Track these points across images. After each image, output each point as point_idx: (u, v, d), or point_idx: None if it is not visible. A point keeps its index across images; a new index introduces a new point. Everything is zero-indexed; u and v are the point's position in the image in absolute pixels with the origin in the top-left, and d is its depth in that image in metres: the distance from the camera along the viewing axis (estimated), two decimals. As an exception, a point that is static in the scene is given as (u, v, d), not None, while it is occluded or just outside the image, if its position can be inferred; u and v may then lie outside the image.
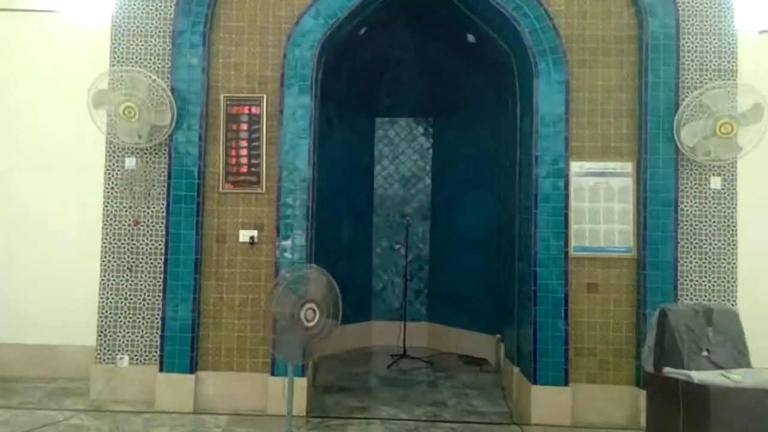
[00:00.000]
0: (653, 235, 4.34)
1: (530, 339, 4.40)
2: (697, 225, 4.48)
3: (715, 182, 4.48)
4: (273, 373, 4.35)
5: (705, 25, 4.50)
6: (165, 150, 4.52)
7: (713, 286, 4.48)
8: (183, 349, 4.38)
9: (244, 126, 4.53)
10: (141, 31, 4.59)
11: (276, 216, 4.45)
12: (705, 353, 2.98)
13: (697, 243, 4.48)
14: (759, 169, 4.49)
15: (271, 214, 4.48)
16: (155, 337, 4.48)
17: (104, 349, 4.53)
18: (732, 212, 4.49)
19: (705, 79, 4.47)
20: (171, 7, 4.55)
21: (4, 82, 5.08)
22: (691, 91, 4.41)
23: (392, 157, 7.02)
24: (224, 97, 4.53)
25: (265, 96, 4.52)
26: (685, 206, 4.47)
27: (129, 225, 4.55)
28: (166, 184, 4.48)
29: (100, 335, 4.54)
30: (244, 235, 4.50)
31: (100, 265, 4.55)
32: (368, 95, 6.65)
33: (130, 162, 4.57)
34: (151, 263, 4.54)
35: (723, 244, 4.49)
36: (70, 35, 5.03)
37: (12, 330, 4.97)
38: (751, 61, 4.53)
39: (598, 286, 4.44)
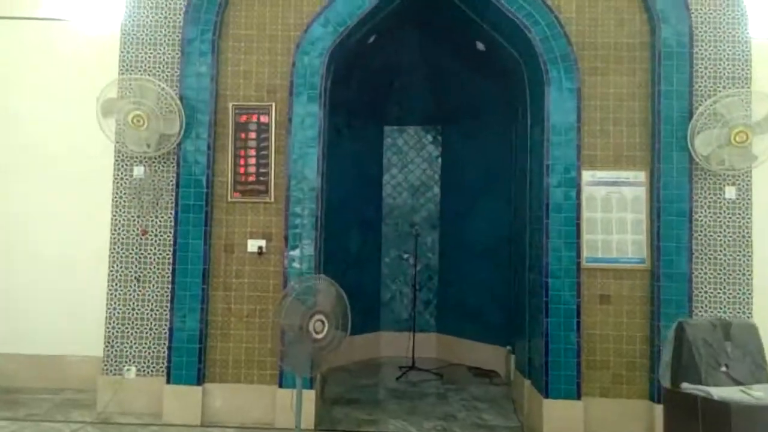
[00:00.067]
0: (667, 246, 4.28)
1: (542, 351, 4.33)
2: (711, 235, 4.41)
3: (730, 192, 4.41)
4: (281, 385, 4.31)
5: (719, 32, 4.45)
6: (173, 159, 4.50)
7: (728, 297, 4.40)
8: (190, 360, 4.34)
9: (253, 134, 4.50)
10: (150, 39, 4.58)
11: (284, 225, 4.42)
12: (723, 368, 2.90)
13: (711, 254, 4.41)
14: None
15: (280, 223, 4.45)
16: (162, 348, 4.45)
17: (111, 360, 4.49)
18: (747, 222, 4.42)
19: (719, 87, 4.41)
20: (180, 15, 4.55)
21: (12, 91, 5.08)
22: (705, 100, 4.35)
23: (401, 166, 6.98)
24: (233, 105, 4.51)
25: (273, 104, 4.50)
26: (700, 216, 4.40)
27: (137, 234, 4.53)
28: (174, 193, 4.46)
29: (107, 346, 4.50)
30: (253, 245, 4.46)
31: (108, 274, 4.52)
32: (377, 103, 6.62)
33: (138, 171, 4.55)
34: (159, 273, 4.51)
35: (738, 255, 4.42)
36: (78, 44, 5.04)
37: (19, 340, 4.94)
38: (765, 68, 4.46)
39: (611, 297, 4.37)
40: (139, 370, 4.48)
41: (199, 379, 4.35)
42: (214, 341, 4.43)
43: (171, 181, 4.51)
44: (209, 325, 4.43)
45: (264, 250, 4.46)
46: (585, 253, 4.36)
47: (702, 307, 4.37)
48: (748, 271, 4.41)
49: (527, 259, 4.85)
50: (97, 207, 4.67)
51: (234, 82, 4.55)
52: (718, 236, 4.41)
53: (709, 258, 4.40)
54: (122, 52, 4.59)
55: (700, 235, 4.39)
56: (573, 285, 4.30)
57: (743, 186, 4.42)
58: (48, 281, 4.96)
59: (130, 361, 4.49)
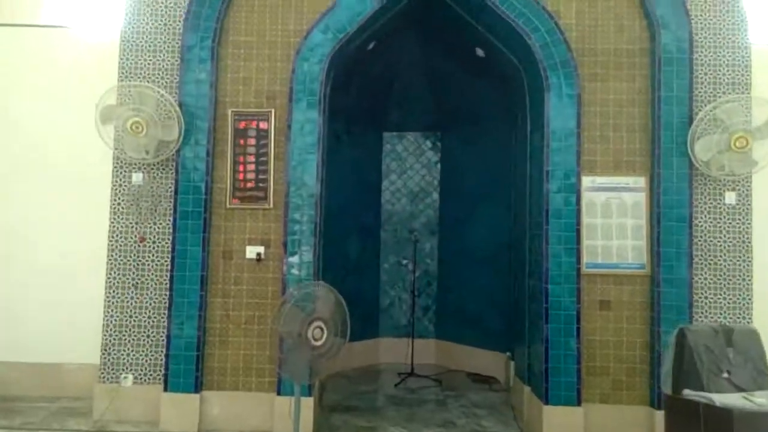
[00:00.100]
0: (667, 252, 4.26)
1: (542, 357, 4.31)
2: (711, 241, 4.40)
3: (730, 197, 4.41)
4: (279, 393, 4.28)
5: (718, 38, 4.45)
6: (172, 165, 4.49)
7: (728, 303, 4.39)
8: (188, 368, 4.31)
9: (252, 141, 4.49)
10: (149, 46, 4.58)
11: (283, 232, 4.40)
12: (725, 374, 2.88)
13: (711, 259, 4.40)
14: (774, 184, 4.43)
15: (279, 230, 4.43)
16: (160, 355, 4.42)
17: (108, 367, 4.46)
18: (747, 227, 4.41)
19: (719, 92, 4.41)
20: (179, 22, 4.54)
21: (11, 97, 5.06)
22: (705, 105, 4.35)
23: (400, 172, 6.97)
24: (232, 111, 4.50)
25: (273, 111, 4.49)
26: (700, 222, 4.39)
27: (135, 241, 4.50)
28: (172, 200, 4.44)
29: (103, 353, 4.47)
30: (251, 252, 4.44)
31: (106, 281, 4.50)
32: (376, 110, 6.61)
33: (137, 177, 4.53)
34: (157, 280, 4.48)
35: (738, 260, 4.41)
36: (78, 51, 5.01)
37: (15, 348, 4.89)
38: (765, 74, 4.47)
39: (611, 303, 4.36)
40: (136, 377, 4.45)
41: (197, 387, 4.32)
42: (212, 348, 4.41)
43: (169, 187, 4.49)
44: (207, 333, 4.40)
45: (263, 256, 4.44)
46: (585, 258, 4.35)
47: (702, 313, 4.36)
48: (748, 276, 4.39)
49: (527, 265, 4.83)
50: (95, 214, 4.64)
51: (233, 89, 4.54)
52: (719, 242, 4.40)
53: (710, 263, 4.39)
54: (122, 58, 4.58)
55: (700, 241, 4.38)
56: (573, 291, 4.28)
57: (743, 191, 4.41)
58: (45, 288, 4.92)
59: (127, 368, 4.46)
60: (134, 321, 4.48)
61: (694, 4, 4.46)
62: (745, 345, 2.98)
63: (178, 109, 4.38)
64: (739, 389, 2.84)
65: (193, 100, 4.44)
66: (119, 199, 4.54)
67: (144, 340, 4.47)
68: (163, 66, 4.56)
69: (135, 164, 4.52)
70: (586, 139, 4.40)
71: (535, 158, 4.68)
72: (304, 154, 4.41)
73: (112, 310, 4.48)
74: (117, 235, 4.52)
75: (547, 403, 4.25)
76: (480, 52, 5.42)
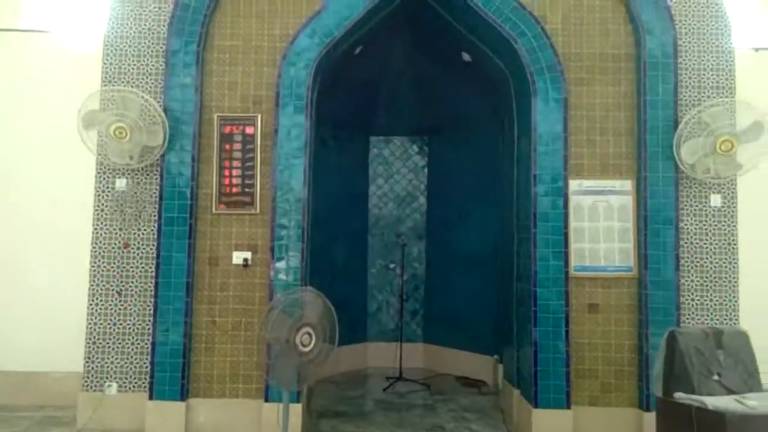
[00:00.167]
0: (654, 254, 4.29)
1: (531, 361, 4.31)
2: (697, 243, 4.44)
3: (716, 200, 4.45)
4: (267, 399, 4.23)
5: (702, 43, 4.49)
6: (157, 171, 4.43)
7: (715, 304, 4.42)
8: (174, 375, 4.25)
9: (238, 146, 4.45)
10: (133, 51, 4.52)
11: (270, 237, 4.36)
12: (716, 377, 2.89)
13: (698, 261, 4.43)
14: (759, 186, 4.47)
15: (266, 235, 4.39)
16: (145, 363, 4.35)
17: (92, 376, 4.39)
18: (733, 229, 4.45)
19: (703, 96, 4.45)
20: (164, 26, 4.49)
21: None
22: (690, 109, 4.39)
23: (387, 176, 6.95)
24: (218, 116, 4.46)
25: (259, 115, 4.45)
26: (686, 224, 4.42)
27: (119, 247, 4.44)
28: (157, 206, 4.38)
29: (87, 361, 4.40)
30: (238, 257, 4.40)
31: (89, 288, 4.43)
32: (363, 114, 6.59)
33: (120, 183, 4.47)
34: (141, 287, 4.42)
35: (724, 262, 4.44)
36: (59, 55, 4.94)
37: (-2, 357, 4.82)
38: (748, 78, 4.51)
39: (599, 306, 4.38)
40: (120, 385, 4.38)
41: (183, 395, 4.26)
42: (198, 355, 4.35)
43: (154, 193, 4.44)
44: (193, 339, 4.35)
45: (249, 262, 4.39)
46: (573, 261, 4.36)
47: (689, 315, 4.39)
48: (734, 278, 4.43)
49: (515, 269, 4.83)
50: (78, 220, 4.57)
51: (219, 93, 4.50)
52: (705, 244, 4.44)
53: (696, 265, 4.42)
54: (105, 63, 4.52)
55: (686, 243, 4.41)
56: (561, 294, 4.29)
57: (729, 194, 4.46)
58: (27, 296, 4.83)
59: (111, 376, 4.39)
60: (118, 328, 4.41)
61: (679, 9, 4.50)
62: (735, 347, 3.00)
63: (162, 113, 4.33)
64: (730, 391, 2.85)
65: (178, 105, 4.39)
66: (103, 204, 4.47)
67: (128, 348, 4.40)
68: (147, 71, 4.51)
69: (119, 170, 4.46)
70: (573, 142, 4.42)
71: (522, 162, 4.69)
72: (290, 158, 4.38)
73: (95, 318, 4.42)
74: (100, 242, 4.45)
75: (536, 406, 4.25)
76: (467, 56, 5.42)
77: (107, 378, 4.39)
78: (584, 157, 4.43)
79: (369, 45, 5.29)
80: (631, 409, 4.28)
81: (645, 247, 4.30)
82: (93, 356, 4.40)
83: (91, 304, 4.42)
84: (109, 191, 4.47)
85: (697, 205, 4.44)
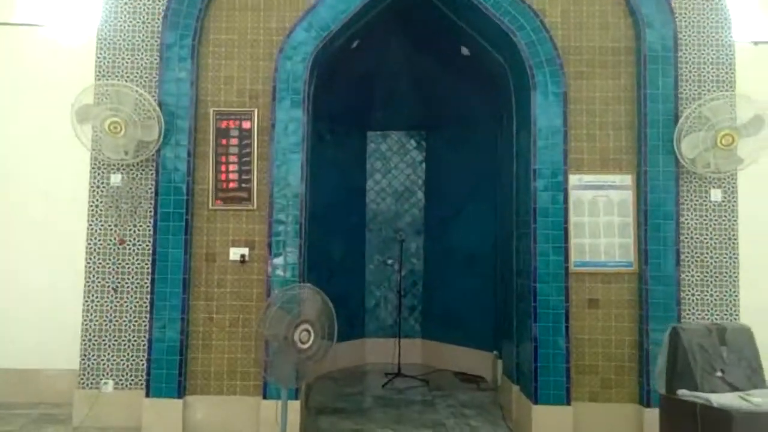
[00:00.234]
0: (654, 249, 4.26)
1: (531, 357, 4.28)
2: (698, 238, 4.41)
3: (716, 194, 4.42)
4: (265, 396, 4.20)
5: (703, 36, 4.45)
6: (152, 166, 4.38)
7: (715, 299, 4.39)
8: (171, 372, 4.21)
9: (235, 141, 4.40)
10: (127, 44, 4.47)
11: (267, 233, 4.32)
12: (719, 373, 2.86)
13: (698, 256, 4.40)
14: (759, 181, 4.45)
15: (263, 231, 4.35)
16: (141, 360, 4.31)
17: (88, 373, 4.34)
18: (733, 224, 4.42)
19: (704, 90, 4.42)
20: (158, 20, 4.43)
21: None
22: (690, 103, 4.35)
23: (384, 172, 6.91)
24: (214, 111, 4.41)
25: (256, 110, 4.40)
26: (686, 219, 4.39)
27: (114, 244, 4.39)
28: (153, 201, 4.33)
29: (83, 359, 4.35)
30: (235, 253, 4.35)
31: (84, 285, 4.38)
32: (360, 109, 6.55)
33: (115, 178, 4.42)
34: (137, 283, 4.38)
35: (724, 257, 4.42)
36: (52, 49, 4.88)
37: (-7, 355, 4.77)
38: (749, 71, 4.48)
39: (599, 301, 4.34)
40: (117, 383, 4.34)
41: (180, 392, 4.22)
42: (195, 352, 4.31)
43: (150, 188, 4.39)
44: (190, 336, 4.31)
45: (247, 258, 4.35)
46: (573, 257, 4.33)
47: (690, 310, 4.36)
48: (734, 273, 4.41)
49: (514, 264, 4.80)
50: (72, 216, 4.52)
51: (215, 88, 4.44)
52: (705, 239, 4.41)
53: (696, 260, 4.40)
54: (99, 57, 4.46)
55: (686, 238, 4.38)
56: (561, 289, 4.26)
57: (729, 188, 4.42)
58: (21, 292, 4.79)
59: (107, 374, 4.35)
60: (114, 325, 4.37)
61: (679, 2, 4.46)
62: (739, 343, 2.97)
63: (157, 108, 4.28)
64: (734, 388, 2.82)
65: (173, 100, 4.34)
66: (97, 200, 4.42)
67: (125, 345, 4.36)
68: (141, 65, 4.46)
69: (113, 165, 4.41)
70: (572, 137, 4.38)
71: (521, 157, 4.65)
72: (288, 153, 4.34)
73: (91, 314, 4.37)
74: (96, 238, 4.40)
75: (536, 402, 4.22)
76: (465, 50, 5.38)
77: (103, 375, 4.34)
78: (584, 152, 4.39)
79: (366, 39, 5.25)
80: (631, 405, 4.26)
81: (645, 242, 4.27)
82: (89, 353, 4.36)
83: (86, 301, 4.38)
84: (104, 187, 4.42)
85: (697, 200, 4.41)
